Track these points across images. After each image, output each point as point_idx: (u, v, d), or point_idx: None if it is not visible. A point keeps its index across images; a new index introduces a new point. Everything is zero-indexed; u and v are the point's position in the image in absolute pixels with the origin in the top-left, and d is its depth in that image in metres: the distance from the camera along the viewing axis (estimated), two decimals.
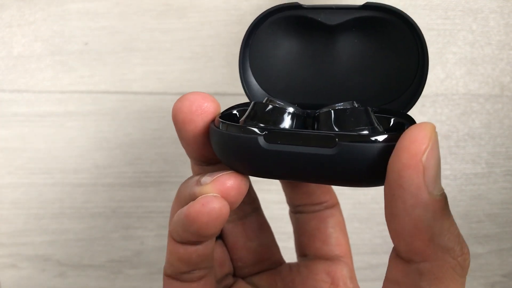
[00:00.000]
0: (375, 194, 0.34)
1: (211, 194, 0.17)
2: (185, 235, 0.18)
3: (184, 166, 0.35)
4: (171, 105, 0.33)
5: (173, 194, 0.35)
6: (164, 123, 0.34)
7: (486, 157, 0.34)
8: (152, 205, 0.35)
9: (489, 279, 0.36)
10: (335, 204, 0.24)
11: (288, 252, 0.25)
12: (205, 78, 0.33)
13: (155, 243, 0.36)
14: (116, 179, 0.35)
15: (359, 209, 0.34)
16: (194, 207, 0.17)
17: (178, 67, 0.33)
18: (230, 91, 0.33)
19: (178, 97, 0.33)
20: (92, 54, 0.33)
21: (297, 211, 0.24)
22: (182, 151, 0.35)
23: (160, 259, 0.36)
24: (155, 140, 0.34)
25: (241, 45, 0.22)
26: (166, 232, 0.36)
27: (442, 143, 0.33)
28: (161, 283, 0.36)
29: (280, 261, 0.25)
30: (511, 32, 0.31)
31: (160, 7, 0.32)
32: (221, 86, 0.33)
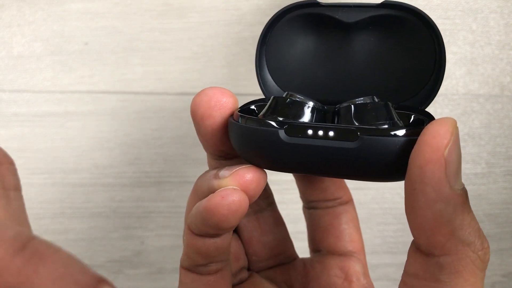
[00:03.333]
0: (375, 194, 0.34)
1: (231, 187, 0.17)
2: (204, 227, 0.18)
3: (184, 166, 0.35)
4: (171, 105, 0.33)
5: (173, 194, 0.35)
6: (164, 123, 0.34)
7: (486, 157, 0.34)
8: (152, 205, 0.35)
9: (489, 279, 0.36)
10: (349, 200, 0.24)
11: None
12: (205, 78, 0.33)
13: (155, 243, 0.36)
14: (116, 179, 0.35)
15: (359, 209, 0.34)
16: (213, 200, 0.17)
17: (178, 67, 0.33)
18: (231, 91, 0.33)
19: (178, 97, 0.33)
20: (92, 54, 0.33)
21: (310, 207, 0.24)
22: (182, 151, 0.35)
23: (160, 259, 0.36)
24: (155, 140, 0.34)
25: (258, 42, 0.22)
26: (166, 232, 0.36)
27: None
28: (161, 283, 0.37)
29: (294, 256, 0.25)
30: (511, 32, 0.31)
31: (160, 7, 0.32)
32: (221, 86, 0.33)
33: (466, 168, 0.34)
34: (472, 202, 0.37)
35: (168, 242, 0.36)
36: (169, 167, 0.35)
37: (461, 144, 0.33)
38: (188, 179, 0.34)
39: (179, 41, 0.32)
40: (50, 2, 0.32)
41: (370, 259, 0.35)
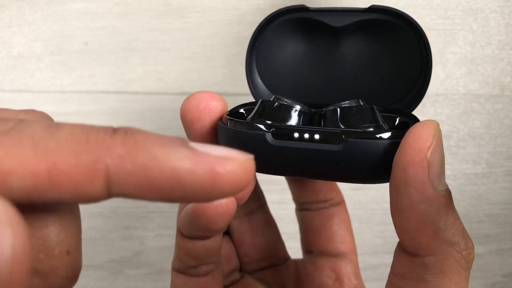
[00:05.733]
0: (375, 194, 0.34)
1: None
2: (193, 230, 0.18)
3: None
4: (171, 105, 0.33)
5: None
6: (164, 123, 0.34)
7: (487, 157, 0.34)
8: (152, 205, 0.35)
9: (489, 279, 0.36)
10: (341, 202, 0.24)
11: (289, 252, 0.25)
12: (205, 78, 0.33)
13: (155, 243, 0.36)
14: None
15: (360, 209, 0.34)
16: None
17: (178, 67, 0.33)
18: (231, 91, 0.33)
19: (178, 97, 0.33)
20: (92, 54, 0.33)
21: (303, 209, 0.24)
22: None
23: (160, 259, 0.36)
24: None
25: (248, 46, 0.22)
26: (166, 232, 0.36)
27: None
28: (161, 283, 0.36)
29: (285, 257, 0.25)
30: (511, 32, 0.31)
31: (160, 7, 0.32)
32: (221, 86, 0.33)
33: (467, 168, 0.34)
34: (472, 202, 0.37)
35: (168, 242, 0.36)
36: None
37: (462, 144, 0.33)
38: None
39: (179, 41, 0.32)
40: (50, 2, 0.32)
41: (371, 259, 0.35)
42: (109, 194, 0.10)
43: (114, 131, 0.11)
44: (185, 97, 0.19)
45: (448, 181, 0.36)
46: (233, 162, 0.11)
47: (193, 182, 0.10)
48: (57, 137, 0.10)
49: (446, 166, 0.34)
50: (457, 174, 0.34)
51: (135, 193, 0.10)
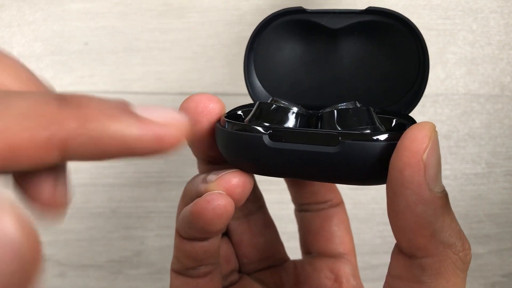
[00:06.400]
0: (375, 194, 0.34)
1: (217, 191, 0.17)
2: (191, 231, 0.18)
3: (184, 166, 0.35)
4: (171, 105, 0.33)
5: (173, 194, 0.35)
6: None
7: (486, 157, 0.34)
8: (152, 205, 0.35)
9: (489, 279, 0.36)
10: (340, 203, 0.24)
11: (289, 252, 0.25)
12: (205, 78, 0.33)
13: (155, 243, 0.36)
14: (116, 179, 0.35)
15: (360, 209, 0.34)
16: (199, 204, 0.17)
17: (178, 67, 0.33)
18: (231, 91, 0.33)
19: (178, 97, 0.33)
20: (92, 54, 0.33)
21: (302, 210, 0.24)
22: (182, 151, 0.35)
23: (160, 259, 0.36)
24: None
25: (246, 48, 0.22)
26: (166, 232, 0.36)
27: (442, 143, 0.33)
28: (161, 283, 0.37)
29: (284, 258, 0.25)
30: (511, 32, 0.31)
31: (160, 7, 0.32)
32: (221, 86, 0.33)
33: (466, 168, 0.34)
34: (472, 202, 0.37)
35: (168, 242, 0.36)
36: (169, 167, 0.35)
37: (462, 144, 0.33)
38: (188, 179, 0.34)
39: (179, 41, 0.32)
40: (50, 2, 0.32)
41: (370, 259, 0.35)
42: (64, 159, 0.12)
43: (64, 101, 0.11)
44: (185, 97, 0.19)
45: (448, 181, 0.36)
46: (172, 127, 0.12)
47: (140, 146, 0.12)
48: (8, 116, 0.10)
49: (446, 166, 0.34)
50: (457, 174, 0.34)
51: (88, 158, 0.12)
